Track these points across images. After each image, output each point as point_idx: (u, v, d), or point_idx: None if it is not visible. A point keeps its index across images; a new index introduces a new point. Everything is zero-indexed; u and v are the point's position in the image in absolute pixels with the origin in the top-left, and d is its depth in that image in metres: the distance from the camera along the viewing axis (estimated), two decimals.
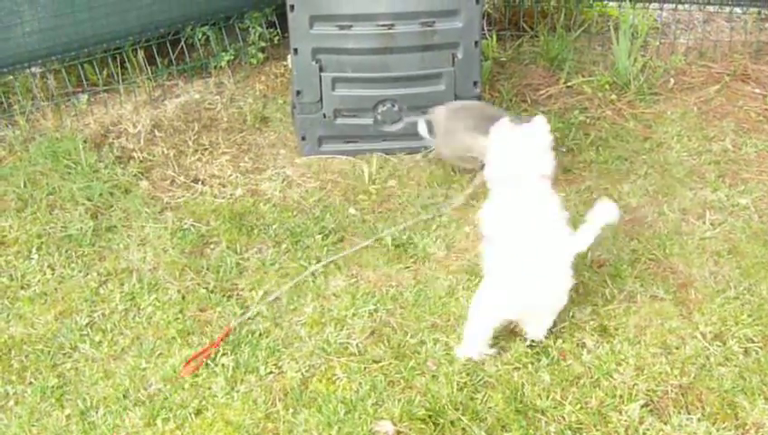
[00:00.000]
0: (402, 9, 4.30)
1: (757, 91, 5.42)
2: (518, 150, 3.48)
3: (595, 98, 5.26)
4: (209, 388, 3.31)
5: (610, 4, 6.10)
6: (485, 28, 5.80)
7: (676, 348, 3.43)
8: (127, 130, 5.03)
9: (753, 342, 3.47)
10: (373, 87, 4.52)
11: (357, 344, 3.48)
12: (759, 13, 6.10)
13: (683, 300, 3.68)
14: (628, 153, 4.72)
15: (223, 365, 3.40)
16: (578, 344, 3.44)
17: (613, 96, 5.27)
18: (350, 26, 4.33)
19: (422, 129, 4.52)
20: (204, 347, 3.52)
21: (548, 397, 3.20)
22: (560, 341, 3.44)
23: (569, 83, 5.36)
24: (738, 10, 6.12)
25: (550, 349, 3.41)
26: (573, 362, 3.36)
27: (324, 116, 4.59)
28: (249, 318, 3.63)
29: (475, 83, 4.57)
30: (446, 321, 3.58)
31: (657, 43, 5.82)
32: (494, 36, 5.77)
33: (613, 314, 3.59)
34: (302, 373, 3.36)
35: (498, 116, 3.84)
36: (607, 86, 5.33)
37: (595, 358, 3.37)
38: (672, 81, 5.46)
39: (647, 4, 6.02)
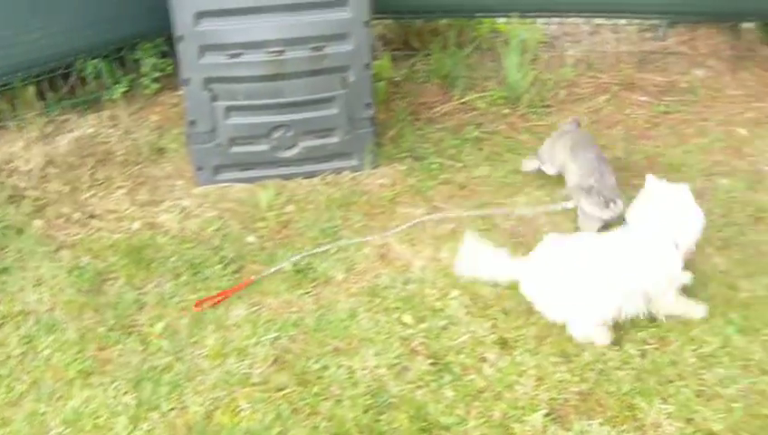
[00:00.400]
0: (291, 35, 4.30)
1: (644, 99, 5.58)
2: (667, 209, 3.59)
3: (488, 113, 5.34)
4: (111, 429, 3.25)
5: (500, 19, 6.18)
6: (381, 48, 5.86)
7: (576, 355, 3.49)
8: (19, 168, 4.92)
9: (649, 344, 3.55)
10: (267, 113, 4.50)
11: (260, 374, 3.46)
12: (642, 23, 6.29)
13: None
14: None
15: (125, 404, 3.35)
16: (480, 359, 3.48)
17: (506, 110, 5.36)
18: (240, 54, 4.31)
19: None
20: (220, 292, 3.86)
21: (452, 413, 3.23)
22: (462, 356, 3.47)
23: (462, 100, 5.44)
24: (623, 21, 6.30)
25: (452, 365, 3.43)
26: (476, 376, 3.39)
27: (219, 145, 4.56)
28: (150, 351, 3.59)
29: (367, 105, 4.59)
30: (349, 344, 3.58)
31: (547, 57, 5.95)
32: (389, 56, 5.81)
33: (513, 326, 3.63)
34: (206, 407, 3.32)
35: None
36: (500, 101, 5.42)
37: (497, 371, 3.41)
38: (562, 92, 5.58)
39: (535, 18, 6.13)
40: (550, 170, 4.55)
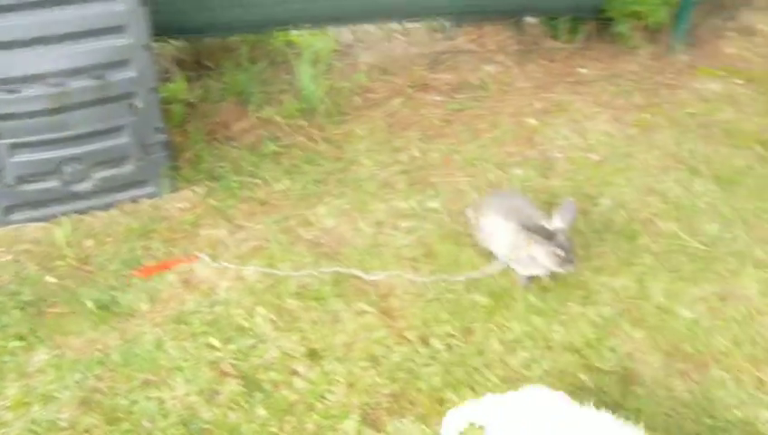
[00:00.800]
0: (70, 66, 4.15)
1: (437, 98, 5.73)
2: None
3: (285, 126, 5.34)
4: None
5: (293, 31, 6.20)
6: (175, 70, 5.77)
7: (384, 357, 3.54)
8: None
9: (454, 337, 3.65)
10: (54, 148, 4.33)
11: (67, 418, 3.32)
12: (431, 24, 6.47)
13: (386, 310, 3.81)
14: (322, 176, 4.85)
15: None
16: (290, 373, 3.47)
17: (303, 122, 5.38)
18: (19, 89, 4.14)
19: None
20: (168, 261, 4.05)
21: (265, 431, 3.21)
22: (272, 372, 3.46)
23: (259, 115, 5.41)
24: (415, 24, 6.45)
25: (263, 383, 3.42)
26: (287, 391, 3.38)
27: (7, 185, 4.36)
28: None
29: (158, 129, 4.49)
30: (158, 375, 3.49)
31: (341, 65, 6.01)
32: (183, 78, 5.72)
33: (321, 336, 3.65)
34: None
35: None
36: (296, 113, 5.43)
37: (308, 383, 3.42)
38: (358, 99, 5.66)
39: (326, 28, 6.17)
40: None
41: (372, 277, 4.00)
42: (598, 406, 2.83)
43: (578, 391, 3.38)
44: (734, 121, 5.74)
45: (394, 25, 6.49)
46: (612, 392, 3.41)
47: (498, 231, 4.04)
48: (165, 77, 5.65)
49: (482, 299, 3.88)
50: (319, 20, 5.94)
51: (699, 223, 4.55)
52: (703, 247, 4.35)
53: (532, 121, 5.50)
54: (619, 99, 5.92)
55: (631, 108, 5.81)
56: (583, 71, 6.26)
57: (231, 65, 5.72)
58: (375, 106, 5.61)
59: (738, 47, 6.84)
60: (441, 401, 3.33)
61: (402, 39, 6.45)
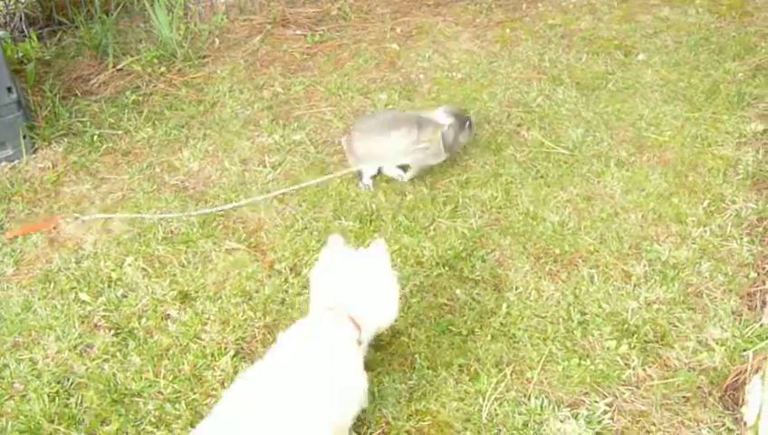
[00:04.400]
0: None
1: (298, 32, 5.69)
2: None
3: (145, 75, 5.24)
4: None
5: None
6: (27, 29, 5.59)
7: (256, 292, 3.54)
8: None
9: None
10: None
11: None
12: None
13: (256, 245, 3.80)
14: (185, 120, 4.79)
15: None
16: (162, 318, 3.45)
17: (163, 69, 5.29)
18: None
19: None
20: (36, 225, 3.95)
21: (141, 378, 3.18)
22: (144, 320, 3.43)
23: (118, 66, 5.29)
24: None
25: (136, 331, 3.38)
26: (160, 335, 3.35)
27: None
28: None
29: (8, 89, 4.34)
30: (28, 336, 3.42)
31: (199, 8, 5.90)
32: (35, 36, 5.55)
33: (191, 278, 3.63)
34: None
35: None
36: (155, 60, 5.34)
37: (181, 325, 3.39)
38: (217, 41, 5.58)
39: None
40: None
41: (234, 205, 3.99)
42: None
43: (450, 303, 3.45)
44: (594, 30, 5.84)
45: None
46: (485, 301, 3.47)
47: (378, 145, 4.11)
48: (17, 36, 5.48)
49: (350, 224, 3.90)
50: None
51: (563, 129, 4.64)
52: (567, 152, 4.44)
53: (394, 46, 5.51)
54: (480, 17, 5.96)
55: (493, 25, 5.86)
56: None
57: (84, 19, 5.55)
58: (235, 46, 5.54)
59: None
60: None
61: None
